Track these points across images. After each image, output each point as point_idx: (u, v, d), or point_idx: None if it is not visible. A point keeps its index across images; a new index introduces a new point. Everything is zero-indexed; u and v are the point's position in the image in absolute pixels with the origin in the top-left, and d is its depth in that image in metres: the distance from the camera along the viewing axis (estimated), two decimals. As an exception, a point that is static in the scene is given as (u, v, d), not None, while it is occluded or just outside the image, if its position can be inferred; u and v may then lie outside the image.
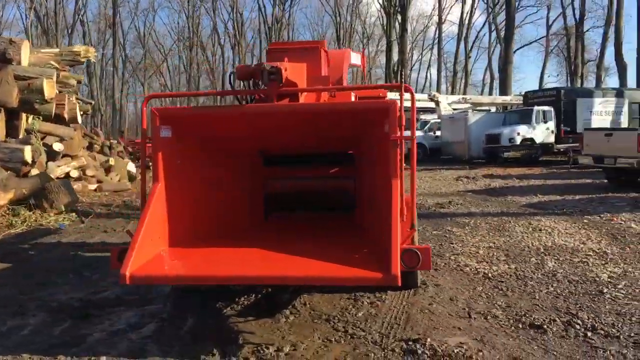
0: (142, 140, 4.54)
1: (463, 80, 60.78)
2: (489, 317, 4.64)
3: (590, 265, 6.28)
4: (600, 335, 4.16)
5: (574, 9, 49.16)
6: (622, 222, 8.97)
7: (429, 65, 69.49)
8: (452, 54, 61.94)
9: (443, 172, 21.72)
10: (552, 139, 26.07)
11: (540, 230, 8.48)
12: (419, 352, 3.90)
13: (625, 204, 10.96)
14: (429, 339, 4.09)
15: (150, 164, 4.52)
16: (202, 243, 4.51)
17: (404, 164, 4.15)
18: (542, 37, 58.69)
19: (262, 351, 3.98)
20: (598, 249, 7.05)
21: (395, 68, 52.54)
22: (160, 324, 4.69)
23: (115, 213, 11.46)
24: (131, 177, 18.51)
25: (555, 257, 6.67)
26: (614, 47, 38.80)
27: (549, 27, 56.73)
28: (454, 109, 31.37)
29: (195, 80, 65.98)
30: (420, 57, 69.82)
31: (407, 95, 4.35)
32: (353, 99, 5.90)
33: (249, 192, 5.31)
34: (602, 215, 9.68)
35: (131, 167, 19.40)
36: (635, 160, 12.70)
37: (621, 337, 4.11)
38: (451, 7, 74.13)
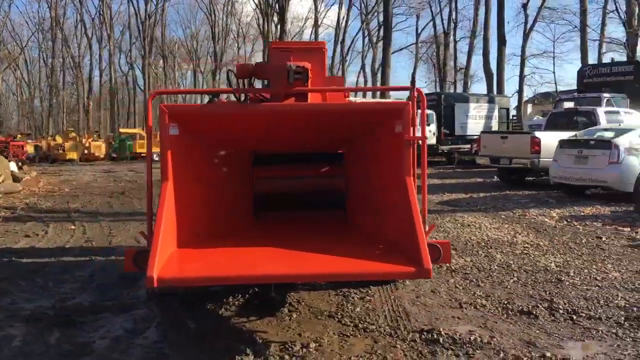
0: (147, 137, 4.36)
1: (341, 84, 62.40)
2: (478, 307, 4.97)
3: (533, 256, 6.88)
4: (584, 318, 4.63)
5: (442, 19, 52.63)
6: (535, 217, 9.86)
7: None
8: (328, 57, 63.29)
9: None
10: (434, 140, 27.67)
11: (469, 225, 9.10)
12: (440, 340, 4.12)
13: (529, 201, 12.01)
14: (441, 329, 4.33)
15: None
16: (210, 243, 4.41)
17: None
18: (412, 44, 61.68)
19: (290, 349, 4.00)
20: (531, 242, 7.72)
21: None
22: (161, 328, 4.53)
23: (25, 216, 10.62)
24: (15, 178, 17.12)
25: (499, 250, 7.22)
26: (482, 56, 41.89)
27: (418, 35, 59.65)
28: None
29: (58, 74, 61.09)
30: (296, 58, 70.43)
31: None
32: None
33: (244, 191, 5.25)
34: (514, 211, 10.56)
35: (13, 167, 17.97)
36: (528, 161, 13.95)
37: (603, 318, 4.61)
38: (327, 10, 75.91)
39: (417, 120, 4.54)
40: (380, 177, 4.64)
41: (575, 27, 40.03)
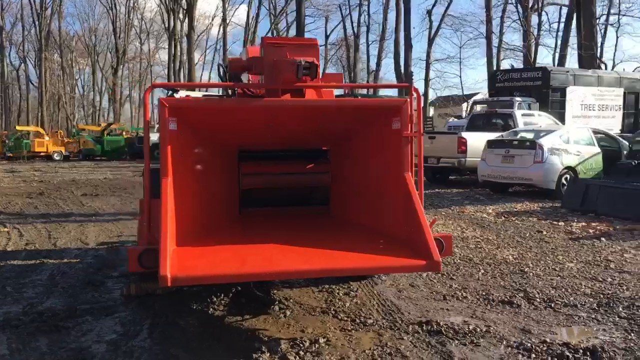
0: (145, 132, 4.18)
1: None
2: (460, 298, 5.17)
3: (488, 250, 7.22)
4: (562, 305, 4.93)
5: (352, 22, 53.68)
6: (473, 214, 10.33)
7: (212, 66, 68.82)
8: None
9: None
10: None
11: (415, 222, 9.38)
12: (443, 331, 4.25)
13: (461, 198, 12.55)
14: (438, 320, 4.47)
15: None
16: (208, 240, 4.30)
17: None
18: (321, 46, 62.24)
19: (300, 345, 3.98)
20: (480, 236, 8.09)
21: (178, 67, 52.08)
22: (157, 329, 4.36)
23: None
24: None
25: (454, 245, 7.50)
26: (393, 59, 43.14)
27: (327, 36, 60.17)
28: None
29: None
30: (204, 56, 68.78)
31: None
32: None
33: (231, 186, 5.13)
34: (452, 208, 11.00)
35: None
36: (456, 160, 14.57)
37: (578, 305, 4.93)
38: (236, 9, 74.76)
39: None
40: (377, 173, 4.70)
41: (481, 33, 42.18)
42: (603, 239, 7.83)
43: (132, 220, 9.66)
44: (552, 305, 4.93)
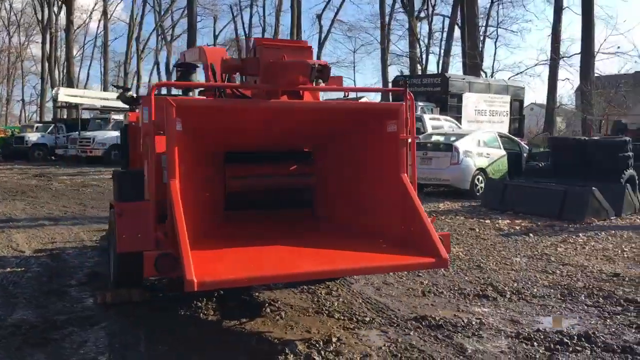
0: (152, 133, 4.01)
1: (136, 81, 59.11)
2: (437, 294, 5.41)
3: (436, 247, 7.56)
4: (531, 297, 5.30)
5: (243, 23, 53.31)
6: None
7: (91, 63, 65.19)
8: (121, 53, 59.73)
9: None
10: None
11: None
12: (444, 326, 4.45)
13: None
14: (433, 315, 4.67)
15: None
16: (215, 243, 4.21)
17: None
18: (210, 46, 60.84)
19: (317, 345, 4.00)
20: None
21: (54, 62, 49.18)
22: (156, 337, 4.19)
23: None
24: None
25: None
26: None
27: (215, 37, 58.93)
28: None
29: None
30: (82, 51, 64.82)
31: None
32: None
33: (218, 189, 4.99)
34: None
35: None
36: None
37: (545, 296, 5.34)
38: (117, 4, 71.33)
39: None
40: (372, 174, 4.79)
41: (375, 39, 43.66)
42: (531, 234, 8.47)
43: (58, 226, 9.13)
44: (522, 297, 5.30)
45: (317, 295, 5.28)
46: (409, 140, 4.64)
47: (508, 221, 9.61)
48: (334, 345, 4.00)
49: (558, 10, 32.10)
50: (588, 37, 28.16)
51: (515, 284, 5.71)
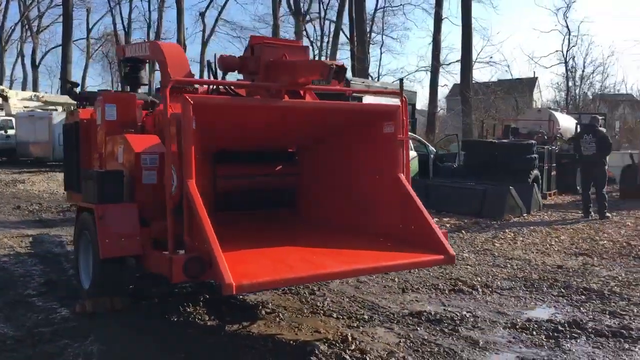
0: (167, 130, 3.81)
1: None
2: (415, 290, 5.59)
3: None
4: (500, 289, 5.64)
5: (122, 18, 50.41)
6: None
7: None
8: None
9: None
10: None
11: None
12: (443, 320, 4.63)
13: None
14: (427, 310, 4.84)
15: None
16: (230, 244, 4.07)
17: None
18: (83, 39, 56.39)
19: (334, 345, 4.01)
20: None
21: None
22: (161, 342, 3.98)
23: None
24: None
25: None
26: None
27: (89, 30, 55.23)
28: (25, 107, 28.78)
29: None
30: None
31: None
32: None
33: (208, 189, 4.79)
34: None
35: None
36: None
37: (511, 288, 5.70)
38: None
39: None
40: (371, 175, 4.84)
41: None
42: (463, 231, 8.97)
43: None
44: (493, 290, 5.63)
45: (303, 296, 5.26)
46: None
47: (436, 219, 10.06)
48: (354, 344, 4.02)
49: (438, 20, 34.01)
50: (467, 46, 30.10)
51: (480, 278, 6.04)
